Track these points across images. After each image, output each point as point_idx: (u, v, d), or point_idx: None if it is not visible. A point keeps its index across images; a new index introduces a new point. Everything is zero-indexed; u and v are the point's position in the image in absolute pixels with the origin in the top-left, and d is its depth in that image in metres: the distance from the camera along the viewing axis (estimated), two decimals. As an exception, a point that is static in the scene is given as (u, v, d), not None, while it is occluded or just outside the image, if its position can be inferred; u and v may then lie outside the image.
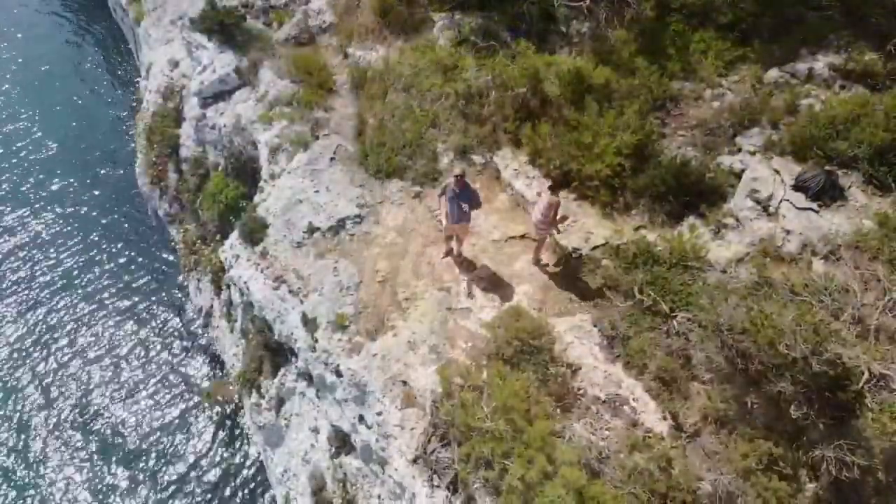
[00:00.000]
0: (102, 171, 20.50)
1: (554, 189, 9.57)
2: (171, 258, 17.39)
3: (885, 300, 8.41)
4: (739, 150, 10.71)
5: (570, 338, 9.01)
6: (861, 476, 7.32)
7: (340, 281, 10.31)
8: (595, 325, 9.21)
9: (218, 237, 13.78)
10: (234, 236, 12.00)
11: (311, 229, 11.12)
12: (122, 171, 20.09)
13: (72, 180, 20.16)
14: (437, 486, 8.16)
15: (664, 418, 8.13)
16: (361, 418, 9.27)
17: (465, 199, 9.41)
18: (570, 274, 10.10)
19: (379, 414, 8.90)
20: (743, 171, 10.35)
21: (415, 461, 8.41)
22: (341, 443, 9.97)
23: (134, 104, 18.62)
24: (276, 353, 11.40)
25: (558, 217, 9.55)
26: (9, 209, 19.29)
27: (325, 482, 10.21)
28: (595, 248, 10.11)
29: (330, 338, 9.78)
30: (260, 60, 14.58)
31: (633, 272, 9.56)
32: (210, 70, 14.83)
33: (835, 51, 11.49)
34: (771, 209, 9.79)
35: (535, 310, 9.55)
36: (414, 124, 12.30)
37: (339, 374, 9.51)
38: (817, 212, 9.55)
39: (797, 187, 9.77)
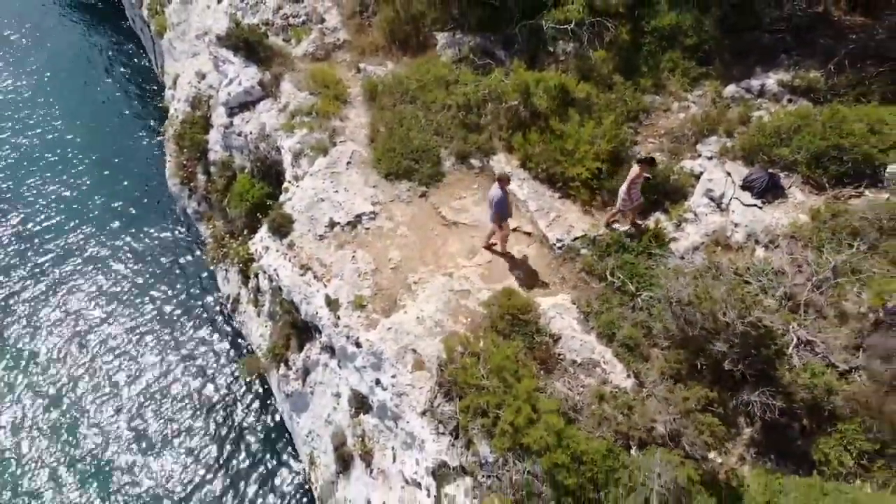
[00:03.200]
0: (127, 175, 22.05)
1: (641, 162, 11.09)
2: (199, 253, 19.06)
3: (812, 280, 10.14)
4: (699, 155, 12.38)
5: (553, 313, 10.65)
6: (788, 421, 9.06)
7: (358, 268, 11.99)
8: (573, 303, 10.91)
9: (245, 232, 15.20)
10: (264, 230, 13.62)
11: (332, 224, 12.79)
12: (146, 175, 21.75)
13: (97, 184, 21.75)
14: (442, 434, 9.80)
15: (629, 377, 9.83)
16: (378, 382, 10.90)
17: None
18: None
19: (393, 377, 10.55)
20: (701, 173, 12.04)
21: (423, 414, 10.06)
22: (360, 404, 11.59)
23: (162, 112, 20.20)
24: (302, 331, 13.01)
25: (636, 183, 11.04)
26: (37, 214, 20.86)
27: (346, 438, 11.87)
28: (575, 239, 11.82)
29: (350, 315, 11.44)
30: (281, 74, 16.14)
31: (606, 259, 11.31)
32: (236, 83, 16.37)
33: (785, 69, 12.99)
34: (723, 205, 11.45)
35: (524, 291, 11.29)
36: (420, 132, 13.92)
37: (358, 345, 11.17)
38: (761, 208, 11.12)
39: (745, 187, 11.40)
